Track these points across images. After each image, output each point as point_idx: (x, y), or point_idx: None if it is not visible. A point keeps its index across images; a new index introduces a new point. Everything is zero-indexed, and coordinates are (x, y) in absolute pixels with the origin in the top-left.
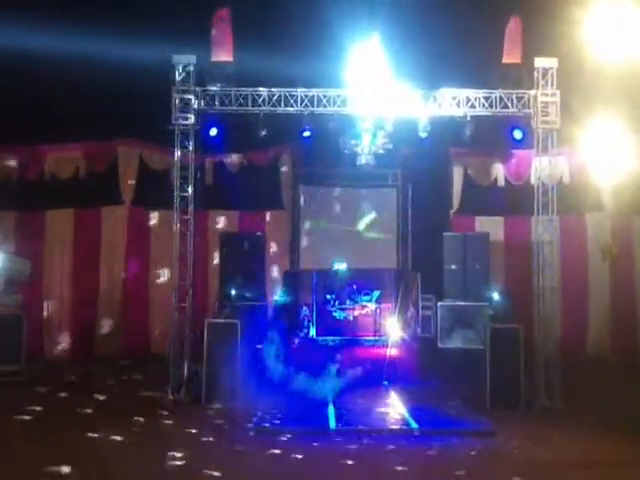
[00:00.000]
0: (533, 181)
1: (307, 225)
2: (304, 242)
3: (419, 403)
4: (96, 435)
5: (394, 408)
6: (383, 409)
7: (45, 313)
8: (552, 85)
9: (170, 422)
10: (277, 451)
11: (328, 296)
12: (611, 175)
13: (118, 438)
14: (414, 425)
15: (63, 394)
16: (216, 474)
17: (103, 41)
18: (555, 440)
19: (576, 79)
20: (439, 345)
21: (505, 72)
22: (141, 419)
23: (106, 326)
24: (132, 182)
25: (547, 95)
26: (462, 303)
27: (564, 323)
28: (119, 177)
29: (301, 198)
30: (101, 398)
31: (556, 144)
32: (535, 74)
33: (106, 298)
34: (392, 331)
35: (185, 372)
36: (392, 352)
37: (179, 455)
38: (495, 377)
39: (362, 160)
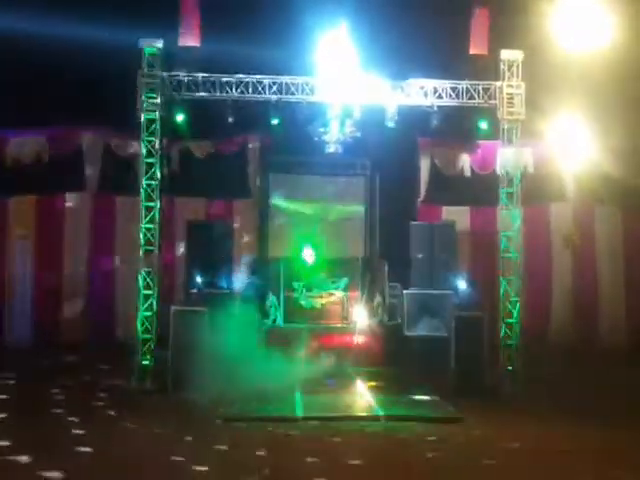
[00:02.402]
0: (498, 171)
1: (276, 219)
2: (272, 230)
3: (385, 390)
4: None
5: (360, 395)
6: (350, 396)
7: (7, 301)
8: (517, 77)
9: (136, 412)
10: (244, 439)
11: (295, 284)
12: (574, 165)
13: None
14: (380, 412)
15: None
16: (183, 462)
17: (68, 24)
18: (518, 426)
19: (541, 71)
20: (405, 333)
21: (472, 63)
22: (107, 409)
23: (70, 313)
24: (97, 168)
25: (512, 87)
26: (428, 291)
27: (528, 310)
28: (84, 163)
29: (269, 186)
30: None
31: (521, 135)
32: (501, 66)
33: (70, 285)
34: (359, 319)
35: (150, 360)
36: (359, 340)
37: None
38: (460, 364)
39: (330, 148)
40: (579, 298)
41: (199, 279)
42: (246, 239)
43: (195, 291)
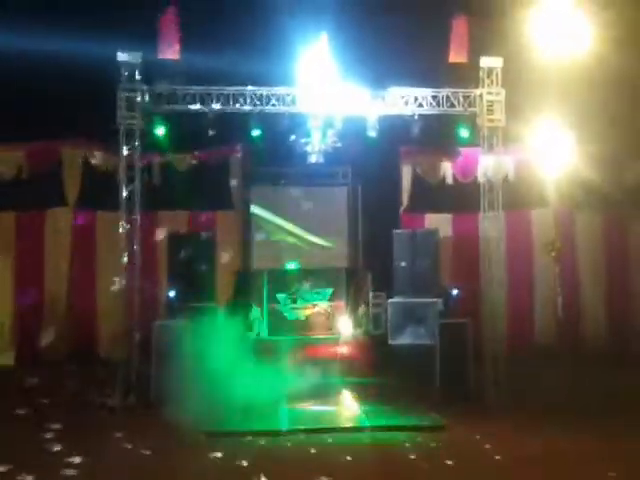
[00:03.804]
0: (480, 178)
1: (259, 231)
2: (255, 242)
3: (371, 400)
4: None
5: (346, 406)
6: (335, 407)
7: None
8: (497, 84)
9: (119, 426)
10: (227, 453)
11: (279, 296)
12: (554, 171)
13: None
14: (366, 422)
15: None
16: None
17: (45, 37)
18: (503, 433)
19: (521, 78)
20: (390, 342)
21: (451, 71)
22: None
23: (52, 331)
24: (76, 183)
25: (492, 94)
26: (412, 300)
27: (511, 316)
28: (63, 178)
29: (252, 197)
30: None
31: (501, 142)
32: (480, 73)
33: (51, 302)
34: (344, 329)
35: (133, 375)
36: (344, 350)
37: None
38: (445, 371)
39: (312, 158)
40: (561, 303)
41: (182, 292)
42: (229, 251)
43: (177, 305)
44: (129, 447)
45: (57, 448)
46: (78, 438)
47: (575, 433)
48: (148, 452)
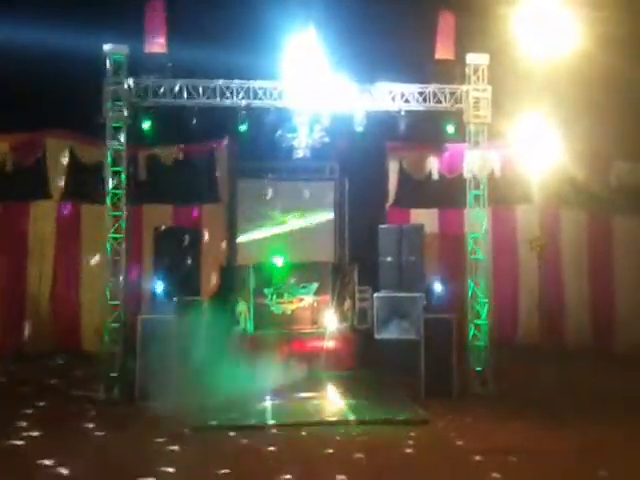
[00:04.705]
0: (465, 174)
1: (244, 222)
2: (241, 236)
3: (356, 394)
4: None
5: (331, 400)
6: (320, 401)
7: None
8: (483, 81)
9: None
10: (213, 448)
11: (265, 290)
12: (539, 168)
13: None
14: (351, 416)
15: None
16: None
17: (32, 28)
18: (487, 426)
19: (506, 75)
20: (375, 336)
21: (438, 68)
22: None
23: (35, 324)
24: (61, 175)
25: (478, 90)
26: (397, 294)
27: (496, 311)
28: (48, 170)
29: (238, 192)
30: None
31: (487, 138)
32: (467, 70)
33: (35, 295)
34: (330, 323)
35: (118, 370)
36: (330, 344)
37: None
38: (429, 366)
39: (299, 153)
40: (545, 299)
41: (167, 287)
42: (215, 245)
43: (163, 299)
44: (95, 432)
45: (22, 424)
46: (47, 421)
47: (556, 426)
48: (110, 438)
